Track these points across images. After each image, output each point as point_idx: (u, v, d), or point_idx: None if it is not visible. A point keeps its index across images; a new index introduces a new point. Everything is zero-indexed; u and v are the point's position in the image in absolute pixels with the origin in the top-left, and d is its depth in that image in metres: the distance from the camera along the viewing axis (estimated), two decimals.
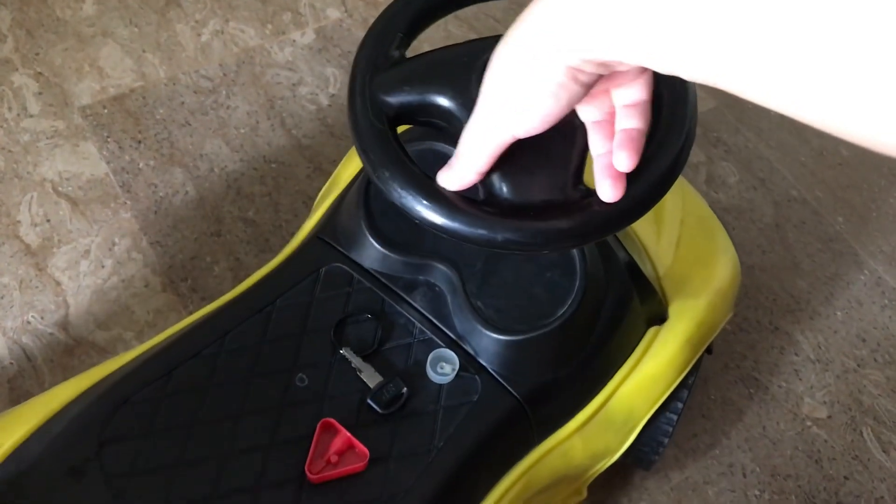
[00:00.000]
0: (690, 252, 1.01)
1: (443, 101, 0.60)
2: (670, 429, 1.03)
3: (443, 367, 0.81)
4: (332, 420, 0.76)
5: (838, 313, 1.40)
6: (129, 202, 1.36)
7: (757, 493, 1.21)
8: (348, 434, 0.76)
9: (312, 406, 0.78)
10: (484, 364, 0.81)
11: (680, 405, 1.02)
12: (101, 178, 1.38)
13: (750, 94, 0.37)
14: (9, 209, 1.33)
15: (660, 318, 0.93)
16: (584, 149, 0.59)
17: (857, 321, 1.39)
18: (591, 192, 0.57)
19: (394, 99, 0.61)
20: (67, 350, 1.22)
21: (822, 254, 1.46)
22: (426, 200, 0.57)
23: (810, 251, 1.46)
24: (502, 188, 0.58)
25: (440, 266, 0.82)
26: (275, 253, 1.31)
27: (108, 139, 1.42)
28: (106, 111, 1.46)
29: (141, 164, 1.40)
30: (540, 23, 0.45)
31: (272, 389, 0.79)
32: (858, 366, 1.35)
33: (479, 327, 0.79)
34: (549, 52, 0.45)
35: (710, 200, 1.50)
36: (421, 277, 0.84)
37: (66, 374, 1.20)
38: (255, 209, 1.38)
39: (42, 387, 1.19)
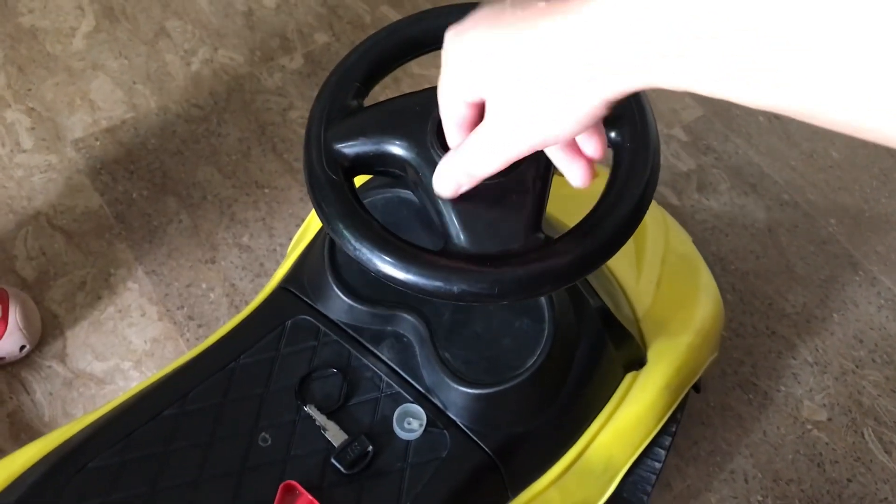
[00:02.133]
0: (671, 292, 0.98)
1: (397, 151, 0.60)
2: (653, 476, 1.01)
3: (410, 423, 0.79)
4: (293, 483, 0.74)
5: (834, 315, 1.40)
6: (123, 232, 1.37)
7: (760, 498, 1.21)
8: (310, 497, 0.73)
9: (275, 467, 0.76)
10: (453, 418, 0.79)
11: (662, 452, 1.00)
12: (95, 210, 1.39)
13: (807, 113, 0.34)
14: (4, 244, 1.34)
15: (638, 362, 0.91)
16: (542, 195, 0.59)
17: (853, 322, 1.40)
18: (550, 241, 0.57)
19: (349, 149, 0.61)
20: (66, 382, 1.22)
21: (815, 257, 1.46)
22: (381, 253, 0.56)
23: (804, 254, 1.46)
24: (460, 237, 0.57)
25: (407, 316, 0.81)
26: (269, 277, 1.32)
27: (101, 171, 1.43)
28: (98, 143, 1.47)
29: (134, 195, 1.41)
30: (573, 50, 0.40)
31: (234, 451, 0.76)
32: (857, 367, 1.35)
33: (447, 380, 0.77)
34: (584, 82, 0.41)
35: (701, 208, 1.51)
36: (388, 328, 0.83)
37: (65, 406, 1.20)
38: (249, 234, 1.39)
39: (42, 420, 1.19)
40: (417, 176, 0.60)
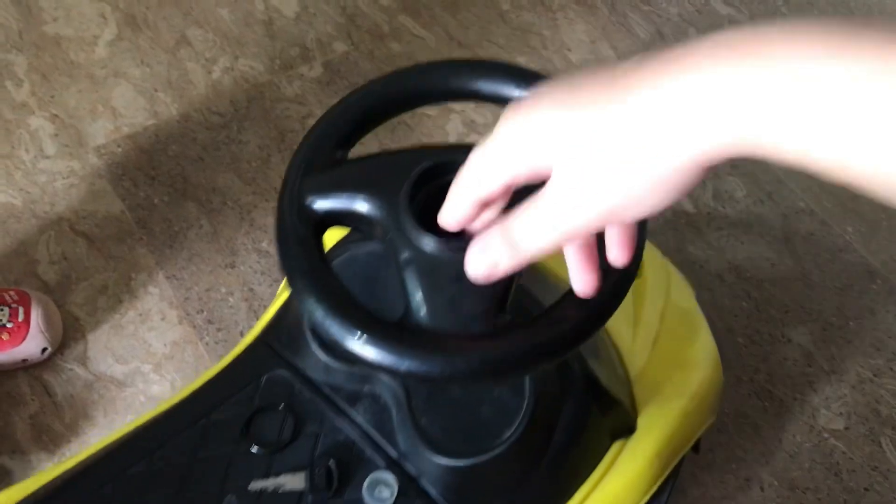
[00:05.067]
0: (668, 352, 0.93)
1: (366, 209, 0.58)
2: None
3: (381, 492, 0.76)
4: None
5: (851, 323, 1.40)
6: (144, 237, 1.39)
7: None
8: None
9: None
10: (425, 489, 0.75)
11: None
12: (116, 215, 1.41)
13: None
14: (27, 248, 1.36)
15: (627, 429, 0.87)
16: (511, 277, 0.54)
17: (870, 331, 1.39)
18: (513, 325, 0.55)
19: (321, 204, 0.58)
20: (87, 385, 1.24)
21: (832, 264, 1.46)
22: (334, 318, 0.53)
23: (820, 262, 1.46)
24: (420, 311, 0.55)
25: (385, 378, 0.77)
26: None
27: (123, 177, 1.46)
28: (120, 150, 1.49)
29: (155, 200, 1.43)
30: (663, 112, 0.36)
31: None
32: (874, 375, 1.35)
33: (423, 449, 0.74)
34: (671, 143, 0.36)
35: (717, 216, 1.51)
36: (366, 388, 0.80)
37: (86, 408, 1.22)
38: (268, 240, 1.40)
39: (63, 422, 1.21)
40: (386, 238, 0.58)
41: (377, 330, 0.53)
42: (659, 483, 0.90)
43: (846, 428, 1.29)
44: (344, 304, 0.54)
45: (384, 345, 0.53)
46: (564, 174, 0.40)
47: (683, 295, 1.02)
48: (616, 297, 0.57)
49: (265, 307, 1.32)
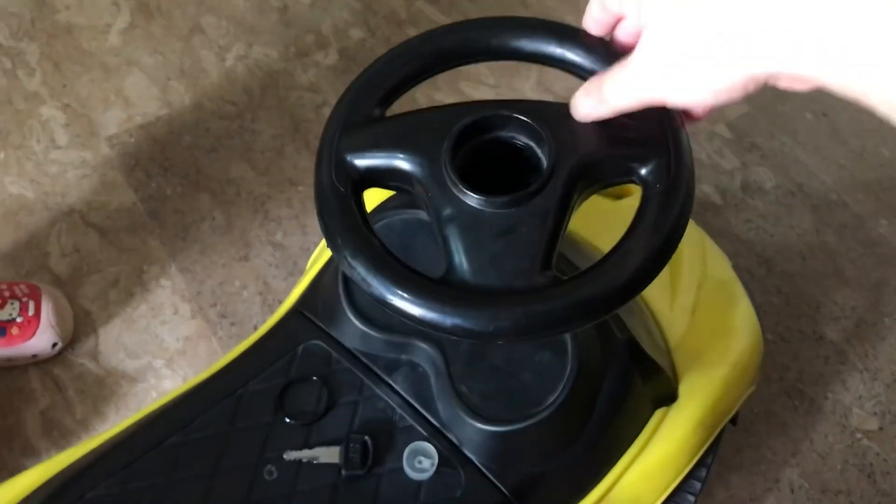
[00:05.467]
0: (707, 321, 0.92)
1: (408, 167, 0.57)
2: None
3: (421, 462, 0.75)
4: None
5: (885, 319, 1.35)
6: (156, 229, 1.36)
7: None
8: None
9: (279, 503, 0.73)
10: (468, 455, 0.75)
11: (698, 484, 0.94)
12: (128, 207, 1.38)
13: None
14: (38, 240, 1.33)
15: (669, 397, 0.86)
16: (557, 231, 0.55)
17: None
18: (559, 281, 0.54)
19: (361, 161, 0.58)
20: (98, 380, 1.21)
21: (865, 258, 1.41)
22: (375, 273, 0.53)
23: (853, 256, 1.41)
24: (462, 267, 0.54)
25: (423, 346, 0.77)
26: (302, 275, 1.30)
27: (136, 167, 1.43)
28: (132, 140, 1.46)
29: (168, 191, 1.40)
30: (734, 23, 0.44)
31: (238, 485, 0.73)
32: None
33: (463, 415, 0.73)
34: (733, 57, 0.44)
35: (745, 207, 1.46)
36: (403, 357, 0.79)
37: (97, 404, 1.19)
38: (282, 232, 1.37)
39: (74, 418, 1.18)
40: (427, 196, 0.57)
41: (420, 286, 0.53)
42: (702, 452, 0.88)
43: (880, 428, 1.24)
44: (386, 261, 0.54)
45: (428, 301, 0.52)
46: (651, 41, 0.49)
47: (720, 264, 1.01)
48: (661, 255, 0.55)
49: (279, 301, 1.29)
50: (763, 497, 1.17)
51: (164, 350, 1.25)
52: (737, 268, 1.38)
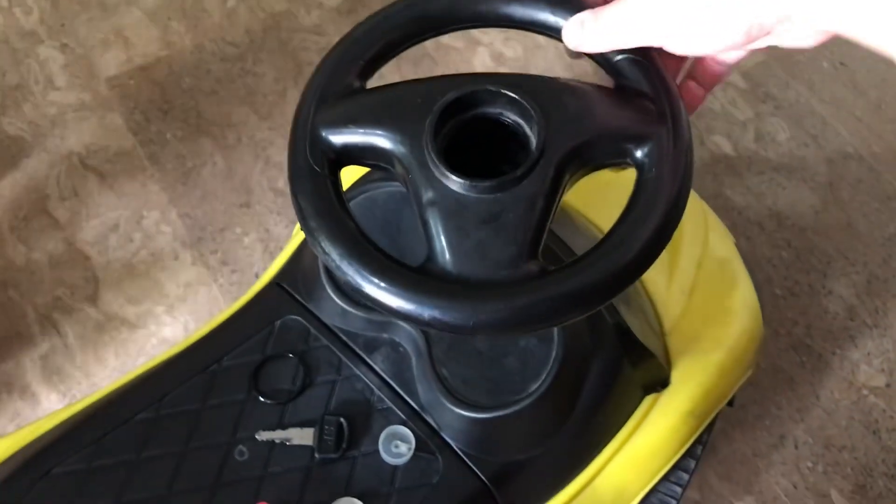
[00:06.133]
0: (705, 303, 0.88)
1: (388, 144, 0.54)
2: (674, 501, 0.93)
3: (397, 447, 0.73)
4: None
5: None
6: (156, 174, 1.34)
7: (810, 465, 1.16)
8: None
9: (250, 484, 0.70)
10: (447, 440, 0.72)
11: (686, 476, 0.92)
12: (128, 151, 1.36)
13: None
14: (37, 183, 1.31)
15: (660, 383, 0.83)
16: (544, 219, 0.52)
17: None
18: (546, 271, 0.50)
19: (337, 138, 0.54)
20: (98, 326, 1.20)
21: (879, 213, 1.38)
22: (350, 262, 0.50)
23: (867, 211, 1.38)
24: (444, 255, 0.51)
25: (404, 325, 0.74)
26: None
27: (135, 110, 1.40)
28: (132, 82, 1.43)
29: (168, 135, 1.37)
30: None
31: (208, 464, 0.71)
32: None
33: (443, 400, 0.70)
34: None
35: (758, 159, 1.43)
36: (385, 336, 0.76)
37: (97, 350, 1.19)
38: (284, 179, 1.34)
39: (74, 363, 1.17)
40: (407, 176, 0.53)
41: (397, 275, 0.50)
42: (693, 440, 0.85)
43: (887, 385, 1.23)
44: (361, 247, 0.51)
45: (405, 291, 0.49)
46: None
47: (722, 242, 0.96)
48: (654, 246, 0.52)
49: (281, 248, 1.27)
50: (766, 453, 1.16)
51: (165, 296, 1.23)
52: (746, 220, 1.36)
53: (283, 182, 1.34)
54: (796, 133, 1.47)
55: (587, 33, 0.53)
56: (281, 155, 1.36)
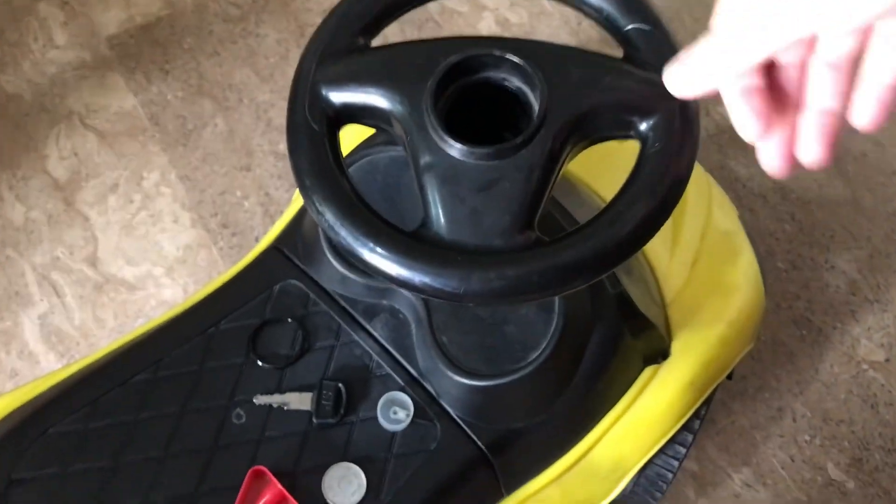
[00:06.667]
0: (708, 274, 0.87)
1: (387, 105, 0.53)
2: (670, 474, 0.93)
3: (396, 413, 0.72)
4: (263, 468, 0.69)
5: None
6: (157, 135, 1.32)
7: (807, 438, 1.16)
8: (279, 487, 0.68)
9: (247, 448, 0.70)
10: (445, 407, 0.72)
11: (683, 450, 0.92)
12: (128, 111, 1.34)
13: None
14: (36, 142, 1.30)
15: (661, 354, 0.82)
16: (542, 187, 0.51)
17: None
18: (541, 241, 0.50)
19: (337, 96, 0.53)
20: (97, 286, 1.20)
21: (885, 188, 1.37)
22: (344, 222, 0.49)
23: (871, 185, 1.37)
24: (439, 221, 0.50)
25: (405, 292, 0.72)
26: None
27: (136, 70, 1.38)
28: (133, 41, 1.41)
29: (169, 96, 1.36)
30: None
31: (206, 427, 0.71)
32: None
33: (442, 367, 0.70)
34: None
35: None
36: (384, 302, 0.75)
37: (96, 311, 1.18)
38: (285, 142, 1.33)
39: (73, 323, 1.17)
40: (406, 138, 0.52)
41: (390, 239, 0.49)
42: (692, 412, 0.85)
43: (887, 360, 1.22)
44: (356, 209, 0.50)
45: (396, 255, 0.49)
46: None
47: (726, 214, 0.95)
48: (652, 222, 0.51)
49: (281, 213, 1.27)
50: (765, 425, 1.16)
51: (164, 258, 1.23)
52: (750, 193, 1.35)
53: (284, 146, 1.33)
54: None
55: (713, 64, 0.41)
56: (282, 118, 1.35)
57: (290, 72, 1.42)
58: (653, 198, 0.51)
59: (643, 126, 0.52)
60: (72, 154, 1.30)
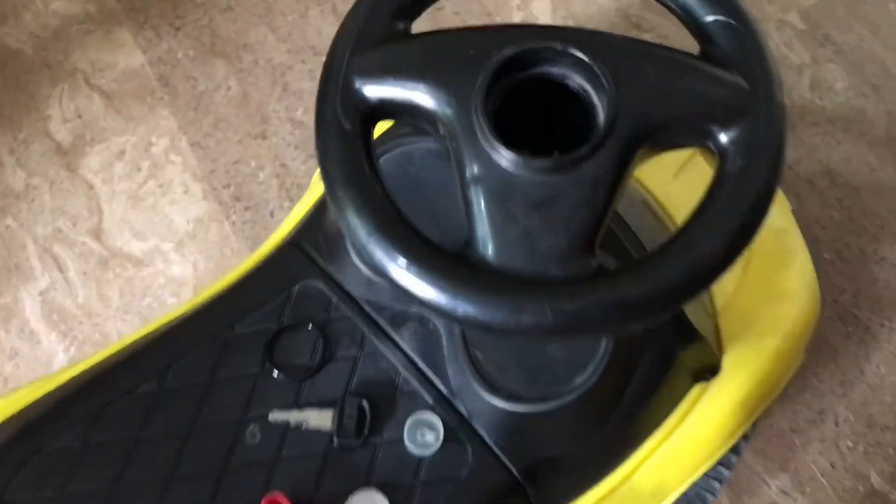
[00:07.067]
0: (759, 278, 0.80)
1: (430, 104, 0.47)
2: (710, 496, 0.88)
3: (424, 436, 0.66)
4: (279, 497, 0.63)
5: None
6: (166, 97, 1.24)
7: (850, 444, 1.10)
8: None
9: (261, 471, 0.65)
10: (478, 430, 0.66)
11: (726, 472, 0.86)
12: (136, 70, 1.26)
13: None
14: (38, 102, 1.22)
15: (710, 370, 0.76)
16: (606, 206, 0.45)
17: None
18: (603, 271, 0.44)
19: (373, 91, 0.47)
20: (101, 261, 1.13)
21: None
22: (378, 242, 0.44)
23: None
24: (485, 244, 0.45)
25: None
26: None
27: (145, 25, 1.29)
28: None
29: (179, 55, 1.27)
30: None
31: (216, 445, 0.65)
32: None
33: (476, 386, 0.63)
34: None
35: (812, 109, 1.32)
36: (413, 309, 0.68)
37: (100, 287, 1.12)
38: (303, 108, 1.25)
39: (76, 301, 1.11)
40: (451, 144, 0.46)
41: (430, 262, 0.44)
42: (741, 433, 0.79)
43: None
44: (393, 225, 0.45)
45: (437, 281, 0.43)
46: None
47: (779, 211, 0.87)
48: (730, 251, 0.45)
49: (298, 186, 1.19)
50: (804, 429, 1.10)
51: (173, 232, 1.16)
52: (797, 176, 1.27)
53: (301, 112, 1.25)
54: (855, 81, 1.36)
55: None
56: (300, 82, 1.27)
57: (310, 31, 1.33)
58: (733, 223, 0.45)
59: (723, 138, 0.46)
60: (75, 116, 1.22)
